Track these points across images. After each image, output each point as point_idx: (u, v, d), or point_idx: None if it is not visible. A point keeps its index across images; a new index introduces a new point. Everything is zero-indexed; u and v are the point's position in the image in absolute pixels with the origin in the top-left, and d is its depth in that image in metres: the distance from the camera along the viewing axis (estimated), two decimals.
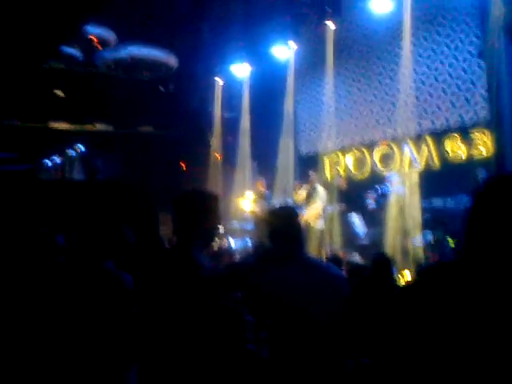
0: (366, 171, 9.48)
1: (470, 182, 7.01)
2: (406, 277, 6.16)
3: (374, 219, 7.94)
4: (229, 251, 7.48)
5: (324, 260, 5.30)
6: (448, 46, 8.21)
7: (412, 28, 7.94)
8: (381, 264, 4.18)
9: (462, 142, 7.91)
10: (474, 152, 7.70)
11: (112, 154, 13.55)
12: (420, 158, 8.32)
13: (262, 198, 9.17)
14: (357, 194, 8.48)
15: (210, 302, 2.00)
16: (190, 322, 1.98)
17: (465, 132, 7.89)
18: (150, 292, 2.15)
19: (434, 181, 7.73)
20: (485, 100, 7.62)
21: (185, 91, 11.79)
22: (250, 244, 8.83)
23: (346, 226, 8.32)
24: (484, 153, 7.57)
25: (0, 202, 7.66)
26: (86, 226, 2.81)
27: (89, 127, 12.19)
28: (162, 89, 11.85)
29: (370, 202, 8.02)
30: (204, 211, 2.20)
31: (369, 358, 2.98)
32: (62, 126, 11.88)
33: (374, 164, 9.33)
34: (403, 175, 7.85)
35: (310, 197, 8.40)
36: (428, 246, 7.11)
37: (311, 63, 10.40)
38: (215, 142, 11.27)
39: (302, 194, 8.52)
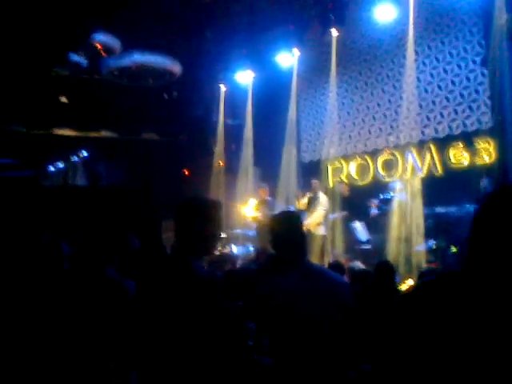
0: (369, 178, 9.48)
1: (472, 190, 7.01)
2: (408, 285, 6.13)
3: (377, 226, 7.93)
4: (231, 258, 7.47)
5: (326, 267, 5.29)
6: (451, 54, 8.23)
7: (416, 36, 7.98)
8: (383, 271, 4.16)
9: (465, 150, 7.91)
10: (477, 159, 7.69)
11: (115, 160, 13.60)
12: (423, 165, 8.32)
13: (264, 205, 9.18)
14: (359, 201, 8.48)
15: (206, 309, 1.99)
16: (186, 328, 1.98)
17: (468, 139, 7.89)
18: (149, 299, 2.15)
19: (437, 188, 7.72)
20: (488, 108, 7.63)
21: (188, 98, 11.85)
22: (252, 250, 8.83)
23: (349, 232, 8.31)
24: (487, 160, 7.56)
25: (3, 208, 7.68)
26: (89, 232, 2.82)
27: (93, 134, 12.25)
28: (165, 96, 11.91)
29: (374, 210, 8.02)
30: (205, 218, 2.20)
31: (370, 364, 2.97)
32: (67, 132, 11.94)
33: (376, 171, 9.33)
34: (406, 182, 7.85)
35: (311, 204, 8.41)
36: (430, 253, 7.10)
37: (315, 71, 10.44)
38: (218, 149, 11.30)
39: (303, 201, 8.53)
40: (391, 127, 9.08)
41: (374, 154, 9.39)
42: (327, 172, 9.97)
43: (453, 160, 8.08)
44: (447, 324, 1.19)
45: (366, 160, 9.54)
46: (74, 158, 14.95)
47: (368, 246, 7.98)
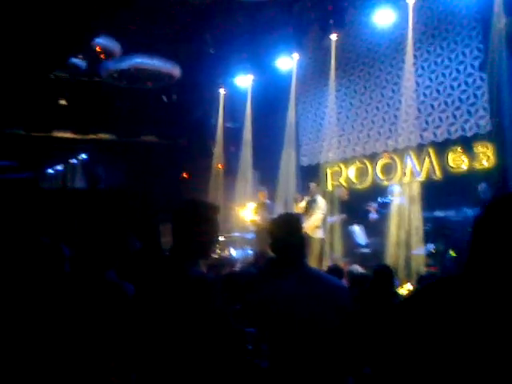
0: (368, 182, 9.49)
1: (471, 194, 7.03)
2: (407, 289, 6.14)
3: (376, 229, 7.94)
4: (230, 261, 7.47)
5: (325, 270, 5.29)
6: (450, 59, 8.26)
7: (415, 41, 8.02)
8: (382, 275, 4.17)
9: (464, 154, 7.92)
10: (476, 164, 7.71)
11: (115, 163, 13.59)
12: (421, 169, 8.33)
13: (263, 208, 9.18)
14: (358, 205, 8.49)
15: (198, 312, 1.99)
16: (179, 331, 1.98)
17: (467, 144, 7.90)
18: (145, 301, 2.16)
19: (436, 192, 7.73)
20: (487, 112, 7.65)
21: (188, 101, 11.87)
22: (251, 254, 8.83)
23: (348, 236, 8.32)
24: (486, 164, 7.58)
25: (2, 209, 7.67)
26: (88, 235, 2.82)
27: (92, 136, 12.25)
28: (165, 99, 11.93)
29: (373, 215, 8.02)
30: (202, 222, 2.20)
31: (370, 368, 2.97)
32: (66, 135, 11.94)
33: (375, 175, 9.34)
34: (405, 186, 7.86)
35: (309, 207, 8.41)
36: (429, 257, 7.10)
37: (314, 75, 10.47)
38: (217, 151, 11.31)
39: (302, 205, 8.53)
40: (390, 131, 9.10)
41: (373, 157, 9.41)
42: (326, 175, 9.99)
43: (451, 164, 8.10)
44: (447, 328, 1.19)
45: (365, 164, 9.55)
46: (73, 161, 14.95)
47: (367, 250, 7.98)
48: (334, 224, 8.62)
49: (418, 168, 8.27)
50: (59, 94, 11.07)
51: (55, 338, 2.40)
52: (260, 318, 2.47)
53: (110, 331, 2.41)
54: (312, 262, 7.52)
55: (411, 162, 8.27)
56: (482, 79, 7.76)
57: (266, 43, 9.30)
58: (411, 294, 1.65)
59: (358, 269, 5.18)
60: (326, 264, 7.96)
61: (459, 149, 8.01)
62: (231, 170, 10.94)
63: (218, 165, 11.26)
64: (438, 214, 7.44)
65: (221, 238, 9.95)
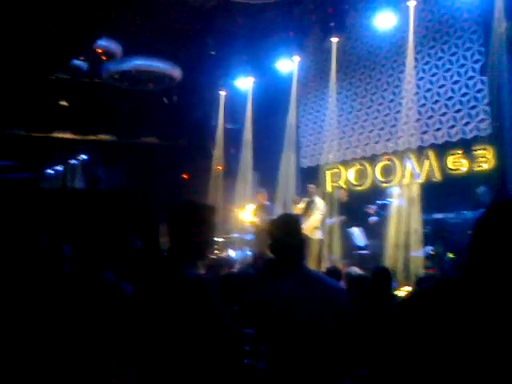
0: (367, 184, 9.49)
1: (471, 196, 7.03)
2: (406, 291, 6.13)
3: (375, 231, 7.94)
4: (228, 262, 7.47)
5: (323, 272, 5.29)
6: (451, 62, 8.27)
7: (416, 44, 8.03)
8: (381, 277, 4.17)
9: (464, 156, 7.93)
10: (476, 166, 7.72)
11: (115, 164, 13.61)
12: (421, 171, 8.34)
13: (262, 209, 9.19)
14: (358, 207, 8.49)
15: (192, 313, 1.99)
16: (173, 332, 1.98)
17: (467, 146, 7.91)
18: (142, 302, 2.16)
19: (435, 194, 7.74)
20: (487, 115, 7.65)
21: (188, 103, 11.88)
22: (249, 255, 8.83)
23: (346, 237, 8.31)
24: (485, 167, 7.58)
25: (2, 209, 7.68)
26: (87, 235, 2.83)
27: (92, 137, 12.26)
28: (165, 100, 11.95)
29: (373, 217, 8.02)
30: (198, 223, 2.20)
31: (367, 370, 2.97)
32: (66, 135, 11.96)
33: (375, 177, 9.35)
34: (404, 188, 7.86)
35: (308, 209, 8.42)
36: (428, 259, 7.10)
37: (315, 77, 10.50)
38: (217, 153, 11.32)
39: (300, 206, 8.54)
40: (390, 133, 9.11)
41: (373, 159, 9.41)
42: (326, 177, 9.99)
43: (451, 166, 8.10)
44: (445, 331, 1.19)
45: (365, 165, 9.56)
46: (73, 162, 14.97)
47: (365, 252, 7.98)
48: (333, 225, 8.62)
49: (417, 170, 8.28)
50: (60, 95, 11.09)
51: (55, 337, 2.41)
52: (258, 319, 2.47)
53: (109, 331, 2.41)
54: (311, 263, 7.52)
55: (411, 164, 8.27)
56: (482, 82, 7.77)
57: (266, 45, 9.32)
58: (409, 297, 1.65)
59: (356, 271, 5.18)
60: (325, 265, 7.96)
61: (459, 151, 8.01)
62: (231, 171, 10.94)
63: (218, 166, 11.27)
64: (437, 216, 7.44)
65: (220, 239, 9.96)
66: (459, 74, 8.12)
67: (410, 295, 1.98)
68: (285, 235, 2.51)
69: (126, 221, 8.52)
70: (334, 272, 4.65)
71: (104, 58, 9.71)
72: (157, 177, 12.10)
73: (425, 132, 8.45)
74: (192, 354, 1.96)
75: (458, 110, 8.10)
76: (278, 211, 8.63)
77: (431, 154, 8.33)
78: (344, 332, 2.41)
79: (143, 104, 11.88)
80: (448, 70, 8.28)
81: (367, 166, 9.51)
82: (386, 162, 9.09)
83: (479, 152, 7.69)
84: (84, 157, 14.42)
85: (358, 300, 3.92)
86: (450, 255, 6.74)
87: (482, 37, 7.73)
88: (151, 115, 12.04)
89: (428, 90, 8.50)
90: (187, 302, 2.00)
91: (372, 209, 8.10)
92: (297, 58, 9.45)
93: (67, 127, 11.81)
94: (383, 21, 8.05)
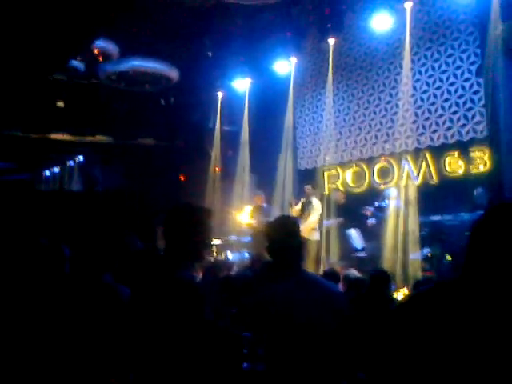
0: (365, 186, 9.51)
1: (467, 198, 7.06)
2: (404, 293, 6.15)
3: (372, 233, 7.95)
4: (226, 264, 7.46)
5: (321, 274, 5.30)
6: (447, 63, 8.29)
7: (412, 46, 8.06)
8: (379, 280, 4.17)
9: (461, 158, 7.95)
10: (472, 168, 7.74)
11: (112, 165, 13.58)
12: (418, 173, 8.36)
13: (259, 211, 9.19)
14: (355, 209, 8.50)
15: (186, 316, 1.99)
16: (168, 335, 1.98)
17: (463, 148, 7.93)
18: (138, 304, 2.16)
19: (432, 196, 7.76)
20: (483, 117, 7.68)
21: (186, 104, 11.88)
22: (247, 257, 8.83)
23: (344, 240, 8.32)
24: (482, 169, 7.61)
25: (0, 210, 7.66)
26: (85, 237, 2.82)
27: (89, 138, 12.24)
28: (162, 101, 11.94)
29: (371, 220, 8.03)
30: (194, 225, 2.20)
31: (365, 373, 2.97)
32: (63, 137, 11.93)
33: (372, 179, 9.36)
34: (401, 190, 7.88)
35: (305, 210, 8.43)
36: (425, 261, 7.11)
37: (312, 78, 10.51)
38: (215, 154, 11.32)
39: (297, 208, 8.55)
40: (387, 135, 9.13)
41: (370, 161, 9.43)
42: (323, 179, 10.00)
43: (448, 168, 8.12)
44: (443, 333, 1.20)
45: (362, 167, 9.57)
46: (71, 163, 14.94)
47: (363, 254, 7.99)
48: (331, 227, 8.63)
49: (414, 172, 8.30)
50: (57, 96, 11.07)
51: (55, 338, 2.40)
52: (257, 321, 2.47)
53: (107, 333, 2.41)
54: (309, 265, 7.53)
55: (408, 166, 8.29)
56: (478, 84, 7.80)
57: (263, 46, 9.33)
58: (406, 300, 1.65)
59: (354, 273, 5.19)
60: (323, 267, 7.97)
61: (456, 153, 8.04)
62: (228, 173, 10.94)
63: (216, 168, 11.27)
64: (435, 218, 7.45)
65: (218, 242, 9.95)
66: (455, 76, 8.15)
67: (408, 298, 1.98)
68: (282, 237, 2.51)
69: (123, 222, 8.50)
70: (331, 274, 4.65)
71: (101, 58, 9.70)
72: (154, 178, 12.09)
73: (421, 134, 8.47)
74: (186, 357, 1.96)
75: (455, 112, 8.13)
76: (276, 213, 8.64)
77: (428, 155, 8.35)
78: (342, 335, 2.41)
79: (140, 105, 11.87)
80: (444, 72, 8.30)
81: (364, 167, 9.52)
82: (384, 164, 9.11)
83: (476, 154, 7.71)
84: (81, 158, 14.39)
85: (357, 302, 3.92)
86: (448, 257, 6.75)
87: (479, 39, 7.76)
88: (148, 116, 12.03)
89: (424, 92, 8.52)
90: (179, 304, 2.00)
91: (369, 211, 8.12)
92: (294, 59, 9.47)
93: (64, 128, 11.79)
94: (380, 22, 8.07)
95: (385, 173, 9.07)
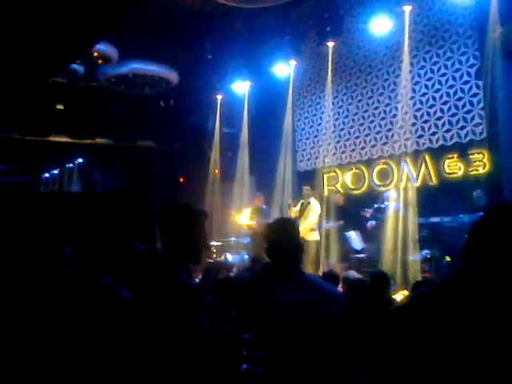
0: (364, 188, 9.52)
1: (467, 200, 7.07)
2: (403, 295, 6.15)
3: (372, 235, 7.95)
4: (226, 266, 7.47)
5: (320, 275, 5.30)
6: (446, 66, 8.31)
7: (411, 48, 8.08)
8: (378, 281, 4.18)
9: (460, 161, 7.97)
10: (471, 170, 7.76)
11: (111, 167, 13.59)
12: (418, 175, 8.37)
13: (259, 213, 9.20)
14: (355, 210, 8.51)
15: (180, 319, 2.00)
16: (163, 336, 1.99)
17: (462, 150, 7.95)
18: (135, 306, 2.17)
19: (432, 198, 7.77)
20: (482, 119, 7.70)
21: (185, 106, 11.90)
22: (246, 259, 8.83)
23: (344, 241, 8.33)
24: (481, 171, 7.62)
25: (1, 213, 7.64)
26: (85, 239, 2.83)
27: (89, 141, 12.25)
28: (162, 104, 11.96)
29: (371, 222, 8.03)
30: (189, 227, 2.20)
31: (365, 375, 2.97)
32: (63, 139, 11.95)
33: (372, 180, 9.37)
34: (401, 192, 7.89)
35: (304, 211, 8.44)
36: (425, 263, 7.12)
37: (311, 81, 10.53)
38: (214, 157, 11.33)
39: (296, 209, 8.55)
40: (386, 137, 9.15)
41: (369, 163, 9.44)
42: (323, 181, 10.02)
43: (447, 170, 8.14)
44: (442, 336, 1.20)
45: (362, 169, 9.59)
46: (70, 165, 14.95)
47: (363, 255, 8.00)
48: (331, 229, 8.63)
49: (414, 174, 8.31)
50: (56, 99, 11.08)
51: (55, 338, 2.41)
52: (256, 323, 2.47)
53: (108, 334, 2.42)
54: (308, 265, 7.54)
55: (407, 168, 8.31)
56: (477, 87, 7.82)
57: (263, 49, 9.35)
58: (406, 302, 1.66)
59: (354, 275, 5.19)
60: (322, 268, 7.97)
61: (455, 155, 8.06)
62: (228, 175, 10.95)
63: (215, 170, 11.28)
64: (434, 219, 7.46)
65: (217, 243, 9.95)
66: (454, 79, 8.17)
67: (407, 300, 1.99)
68: (281, 239, 2.51)
69: (123, 224, 8.49)
70: (330, 276, 4.65)
71: (100, 61, 9.71)
72: (153, 180, 12.09)
73: (420, 136, 8.49)
74: (184, 357, 1.97)
75: (454, 114, 8.15)
76: (275, 215, 8.65)
77: (427, 157, 8.37)
78: (341, 337, 2.41)
79: (140, 108, 11.89)
80: (443, 75, 8.33)
81: (364, 169, 9.54)
82: (383, 166, 9.13)
83: (475, 156, 7.73)
84: (80, 160, 14.40)
85: (356, 304, 3.92)
86: (447, 259, 6.76)
87: (477, 41, 7.78)
88: (148, 119, 12.04)
89: (423, 95, 8.54)
90: (176, 306, 2.00)
91: (368, 212, 8.12)
92: (293, 62, 9.50)
93: (64, 131, 11.80)
94: (379, 25, 8.10)
95: (384, 175, 9.09)
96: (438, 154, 8.29)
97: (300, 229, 7.83)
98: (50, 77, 8.85)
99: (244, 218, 9.43)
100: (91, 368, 2.37)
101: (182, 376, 1.98)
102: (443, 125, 8.29)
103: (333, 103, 9.63)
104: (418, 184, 8.19)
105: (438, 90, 8.39)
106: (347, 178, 9.81)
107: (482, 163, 7.63)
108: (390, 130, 8.98)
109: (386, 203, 7.88)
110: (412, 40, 8.10)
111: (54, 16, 5.10)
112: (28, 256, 2.67)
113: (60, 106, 11.19)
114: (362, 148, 9.61)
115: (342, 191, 9.57)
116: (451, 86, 8.21)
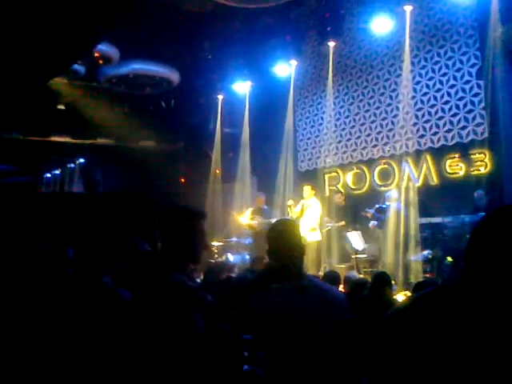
0: (365, 187, 9.52)
1: (468, 200, 7.06)
2: (404, 295, 6.14)
3: (373, 235, 7.95)
4: (227, 266, 7.47)
5: (322, 276, 5.30)
6: (447, 66, 8.31)
7: (412, 48, 8.08)
8: (380, 282, 4.18)
9: (461, 160, 7.97)
10: (473, 170, 7.75)
11: (113, 167, 13.60)
12: (419, 175, 8.37)
13: (260, 213, 9.20)
14: (356, 210, 8.51)
15: (175, 319, 2.00)
16: (160, 338, 1.99)
17: (463, 150, 7.95)
18: (135, 306, 2.17)
19: (433, 198, 7.77)
20: (483, 119, 7.70)
21: (186, 107, 11.90)
22: (248, 259, 8.83)
23: (345, 241, 8.32)
24: (482, 171, 7.62)
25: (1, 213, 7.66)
26: (86, 240, 2.83)
27: (90, 141, 12.26)
28: (163, 104, 11.96)
29: (373, 222, 8.03)
30: (187, 227, 2.20)
31: (367, 377, 2.97)
32: (64, 139, 11.96)
33: (373, 180, 9.37)
34: (402, 192, 7.89)
35: (304, 211, 8.43)
36: (426, 263, 7.12)
37: (312, 81, 10.53)
38: (215, 157, 11.34)
39: (297, 209, 8.55)
40: (387, 137, 9.14)
41: (371, 163, 9.44)
42: (324, 181, 10.01)
43: (448, 170, 8.14)
44: (445, 337, 1.20)
45: (363, 169, 9.59)
46: (71, 165, 14.96)
47: (364, 255, 7.99)
48: (332, 229, 8.63)
49: (415, 174, 8.31)
50: (58, 99, 11.08)
51: (56, 338, 2.42)
52: (257, 324, 2.47)
53: (108, 334, 2.43)
54: (309, 265, 7.53)
55: (409, 167, 8.31)
56: (479, 86, 7.81)
57: (264, 49, 9.35)
58: (407, 303, 1.66)
59: (355, 275, 5.19)
60: (323, 267, 7.97)
61: (456, 155, 8.05)
62: (229, 175, 10.95)
63: (216, 170, 11.28)
64: (435, 219, 7.46)
65: (218, 243, 9.96)
66: (455, 78, 8.17)
67: (408, 302, 1.99)
68: (283, 240, 2.51)
69: (125, 224, 8.51)
70: (331, 276, 4.65)
71: (101, 62, 9.72)
72: (155, 181, 12.10)
73: (422, 136, 8.48)
74: (180, 358, 1.97)
75: (455, 114, 8.15)
76: (276, 215, 8.65)
77: (429, 157, 8.37)
78: (343, 338, 2.41)
79: (141, 108, 11.89)
80: (444, 74, 8.33)
81: (365, 169, 9.54)
82: (384, 166, 9.13)
83: (476, 156, 7.72)
84: (82, 160, 14.41)
85: (358, 304, 3.92)
86: (449, 259, 6.75)
87: (478, 41, 7.78)
88: (149, 119, 12.04)
89: (425, 94, 8.54)
90: (169, 306, 2.00)
91: (369, 213, 8.12)
92: (294, 62, 9.50)
93: (65, 131, 11.80)
94: (380, 25, 8.10)
95: (385, 175, 9.09)
96: (440, 153, 8.29)
97: (301, 228, 7.86)
98: (51, 77, 8.87)
99: (245, 218, 9.44)
100: (91, 368, 2.37)
101: (181, 376, 1.98)
102: (444, 125, 8.29)
103: (334, 103, 9.63)
104: (419, 184, 8.19)
105: (439, 90, 8.39)
106: (348, 177, 9.81)
107: (483, 163, 7.62)
108: (391, 129, 8.98)
109: (387, 203, 7.88)
110: (413, 40, 8.10)
111: (55, 16, 5.10)
112: (28, 256, 2.68)
113: (61, 107, 11.19)
114: (364, 148, 9.61)
115: (343, 191, 9.57)
116: (452, 86, 8.21)
